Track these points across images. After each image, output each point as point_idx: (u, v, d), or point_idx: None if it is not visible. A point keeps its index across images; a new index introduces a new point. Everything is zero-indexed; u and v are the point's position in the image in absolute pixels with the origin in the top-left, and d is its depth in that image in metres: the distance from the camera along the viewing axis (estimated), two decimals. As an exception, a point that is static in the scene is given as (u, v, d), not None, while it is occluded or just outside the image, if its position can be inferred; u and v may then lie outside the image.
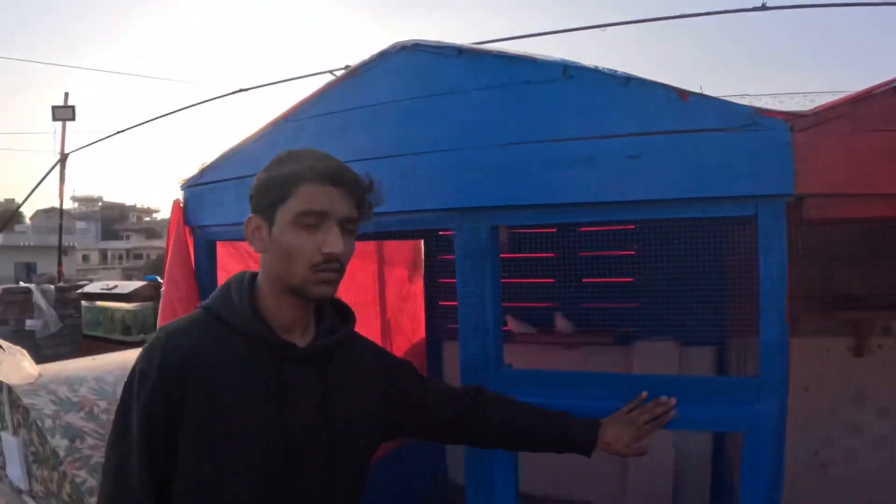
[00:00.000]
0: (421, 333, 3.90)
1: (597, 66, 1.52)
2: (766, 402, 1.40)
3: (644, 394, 1.46)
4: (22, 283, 6.76)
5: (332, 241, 1.10)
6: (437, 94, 1.63)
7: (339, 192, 1.12)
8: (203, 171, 2.25)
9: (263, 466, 1.11)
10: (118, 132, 7.35)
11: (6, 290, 6.35)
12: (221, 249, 2.46)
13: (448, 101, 1.62)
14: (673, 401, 1.43)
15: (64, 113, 7.83)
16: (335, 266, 1.13)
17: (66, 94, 7.92)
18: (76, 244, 34.34)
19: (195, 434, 1.09)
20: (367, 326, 3.35)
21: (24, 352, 3.23)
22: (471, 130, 1.59)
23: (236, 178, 2.11)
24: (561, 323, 3.45)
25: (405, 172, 1.66)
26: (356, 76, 1.77)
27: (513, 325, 3.54)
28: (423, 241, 3.85)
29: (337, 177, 1.12)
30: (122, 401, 1.13)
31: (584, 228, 3.21)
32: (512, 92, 1.56)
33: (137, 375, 1.11)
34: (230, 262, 2.59)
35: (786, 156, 1.35)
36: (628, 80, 1.48)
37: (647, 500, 3.40)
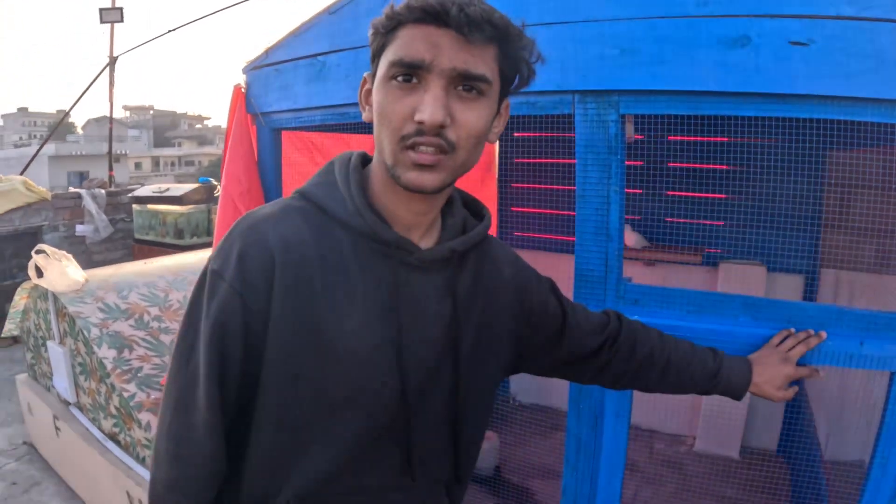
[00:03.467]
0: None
1: None
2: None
3: (792, 329, 1.28)
4: (72, 189, 6.72)
5: (428, 103, 0.77)
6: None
7: (449, 35, 0.76)
8: (269, 51, 2.01)
9: (373, 403, 0.86)
10: (168, 31, 7.09)
11: (56, 196, 6.29)
12: (286, 141, 2.26)
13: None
14: (824, 335, 1.26)
15: (112, 15, 7.52)
16: (436, 143, 0.78)
17: (115, -5, 7.70)
18: (128, 152, 34.74)
19: (283, 356, 0.83)
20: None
21: (70, 257, 3.09)
22: (601, -2, 1.32)
23: (308, 57, 1.88)
24: (631, 238, 3.19)
25: (520, 47, 1.40)
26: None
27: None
28: (497, 143, 3.57)
29: (441, 11, 0.76)
30: (187, 312, 0.86)
31: (673, 137, 2.96)
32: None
33: (209, 277, 0.83)
34: (295, 155, 2.40)
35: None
36: (794, -53, 1.21)
37: (717, 428, 3.26)
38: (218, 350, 0.81)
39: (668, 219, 3.16)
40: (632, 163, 3.19)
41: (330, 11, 1.79)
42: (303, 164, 2.46)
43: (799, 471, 2.61)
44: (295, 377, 0.83)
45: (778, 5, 1.20)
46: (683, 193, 3.06)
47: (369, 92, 0.87)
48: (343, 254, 0.85)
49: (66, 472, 3.32)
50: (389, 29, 0.80)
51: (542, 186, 3.41)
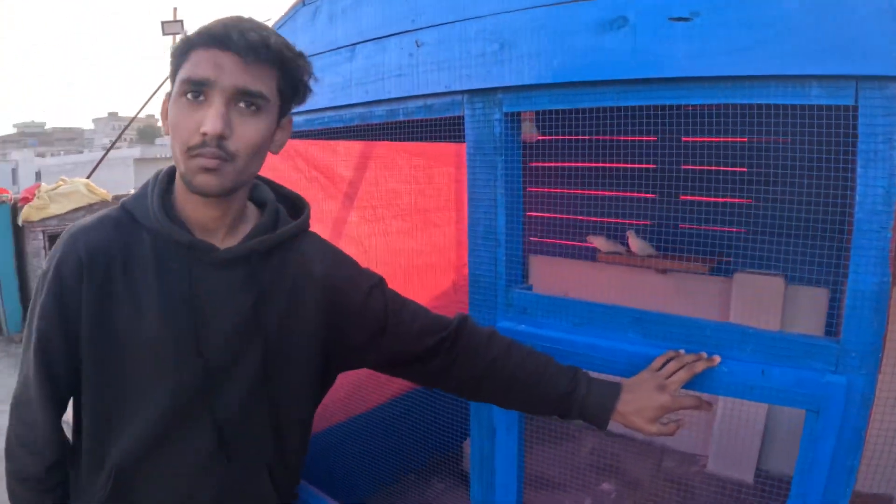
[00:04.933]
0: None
1: None
2: (844, 376, 1.01)
3: (681, 351, 1.11)
4: (132, 191, 7.11)
5: (210, 116, 0.87)
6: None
7: (230, 57, 0.88)
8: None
9: (175, 385, 0.95)
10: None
11: (116, 197, 6.68)
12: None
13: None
14: (717, 360, 1.08)
15: (173, 27, 7.97)
16: (215, 152, 0.88)
17: (175, 9, 8.11)
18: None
19: (94, 345, 0.95)
20: (439, 232, 3.21)
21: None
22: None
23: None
24: (635, 243, 3.05)
25: (413, 50, 1.38)
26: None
27: (598, 242, 3.20)
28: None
29: (225, 37, 0.87)
30: (30, 307, 1.01)
31: (687, 139, 2.83)
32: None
33: (39, 278, 0.99)
34: (276, 161, 2.44)
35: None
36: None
37: (729, 455, 3.07)
38: (41, 341, 0.96)
39: (682, 225, 3.02)
40: (644, 166, 3.09)
41: (277, 26, 1.83)
42: (284, 171, 2.51)
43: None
44: (105, 362, 0.95)
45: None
46: (698, 198, 2.92)
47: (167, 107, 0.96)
48: (146, 255, 0.96)
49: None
50: (183, 52, 0.90)
51: (558, 191, 3.34)
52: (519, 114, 1.28)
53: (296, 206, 1.12)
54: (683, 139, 2.88)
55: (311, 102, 1.71)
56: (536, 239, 3.51)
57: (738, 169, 2.80)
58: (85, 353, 0.95)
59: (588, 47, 1.13)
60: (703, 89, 1.07)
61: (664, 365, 1.10)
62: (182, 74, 0.89)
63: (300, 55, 0.97)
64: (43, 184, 6.16)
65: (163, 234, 0.96)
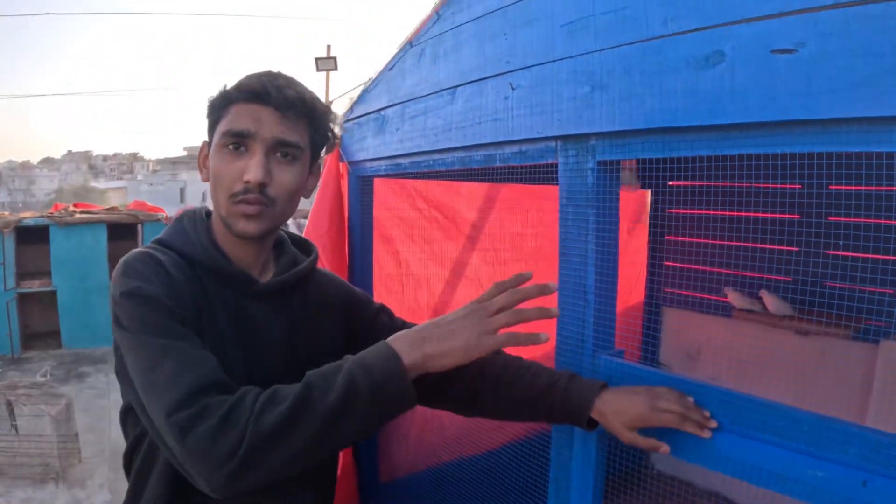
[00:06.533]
0: (638, 295, 3.37)
1: None
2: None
3: (702, 411, 1.01)
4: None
5: (252, 166, 0.96)
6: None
7: (268, 110, 0.97)
8: (352, 106, 2.13)
9: None
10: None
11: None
12: (384, 187, 2.36)
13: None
14: (713, 424, 0.99)
15: (326, 64, 8.29)
16: (257, 198, 0.97)
17: (329, 47, 8.55)
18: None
19: None
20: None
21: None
22: (574, 32, 1.16)
23: (375, 112, 1.96)
24: (772, 302, 2.74)
25: (508, 93, 1.31)
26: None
27: (733, 298, 2.91)
28: (649, 192, 3.29)
29: (263, 93, 0.97)
30: (134, 333, 0.91)
31: (834, 187, 2.51)
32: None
33: (134, 294, 0.91)
34: (394, 200, 2.47)
35: None
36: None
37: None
38: (170, 311, 0.91)
39: (827, 283, 2.66)
40: (787, 216, 2.80)
41: (388, 67, 1.85)
42: (402, 209, 2.52)
43: None
44: None
45: (757, 4, 0.89)
46: (845, 253, 2.57)
47: (206, 156, 1.05)
48: (204, 287, 1.01)
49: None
50: (222, 106, 1.00)
51: (699, 240, 3.09)
52: (616, 162, 1.16)
53: (304, 246, 1.21)
54: (830, 187, 2.57)
55: (413, 145, 1.72)
56: (670, 290, 3.26)
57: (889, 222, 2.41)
58: None
59: (681, 87, 1.00)
60: (813, 136, 0.88)
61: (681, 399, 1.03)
62: (223, 127, 0.98)
63: (328, 109, 1.07)
64: (192, 204, 6.72)
65: (213, 266, 1.02)
